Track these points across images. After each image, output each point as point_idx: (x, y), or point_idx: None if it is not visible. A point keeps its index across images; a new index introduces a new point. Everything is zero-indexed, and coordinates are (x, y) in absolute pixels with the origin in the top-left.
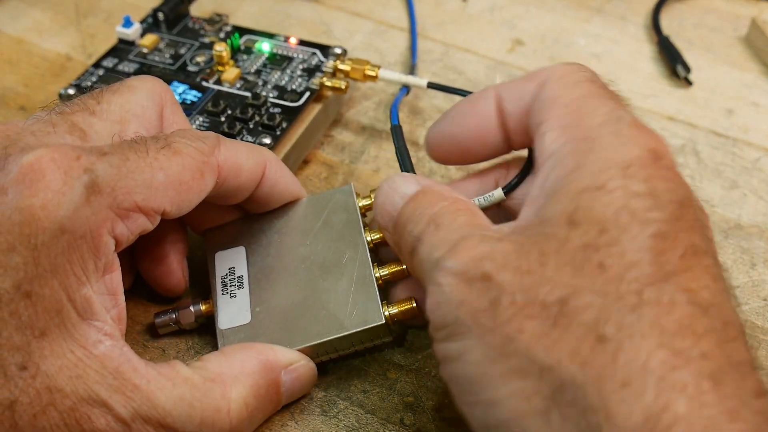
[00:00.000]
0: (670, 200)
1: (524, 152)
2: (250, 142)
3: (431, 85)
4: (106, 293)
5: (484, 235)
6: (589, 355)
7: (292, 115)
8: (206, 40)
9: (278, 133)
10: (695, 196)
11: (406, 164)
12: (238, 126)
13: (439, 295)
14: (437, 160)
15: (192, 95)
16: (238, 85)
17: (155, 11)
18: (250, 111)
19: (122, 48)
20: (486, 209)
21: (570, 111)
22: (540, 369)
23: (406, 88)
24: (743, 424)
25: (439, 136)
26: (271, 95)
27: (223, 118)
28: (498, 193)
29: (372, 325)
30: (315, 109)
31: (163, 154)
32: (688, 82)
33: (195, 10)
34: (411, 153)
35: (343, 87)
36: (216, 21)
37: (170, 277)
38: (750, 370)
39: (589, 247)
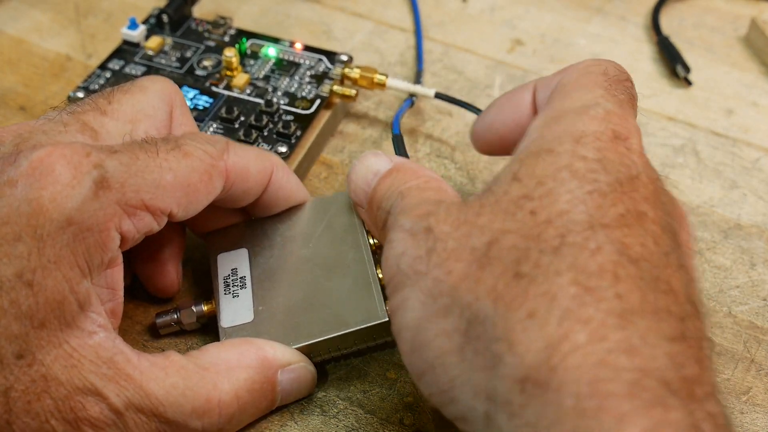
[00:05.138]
0: (620, 171)
1: None
2: (266, 150)
3: (439, 96)
4: (105, 286)
5: (439, 200)
6: (503, 290)
7: (304, 122)
8: (211, 43)
9: (293, 141)
10: (659, 177)
11: None
12: (254, 134)
13: (388, 250)
14: (481, 152)
15: (203, 101)
16: (248, 91)
17: (160, 12)
18: (265, 119)
19: (127, 50)
20: None
21: (561, 96)
22: (461, 307)
23: (410, 100)
24: (640, 360)
25: (482, 127)
26: (282, 102)
27: (237, 125)
28: None
29: (374, 323)
30: (325, 116)
31: (172, 156)
32: (688, 82)
33: (196, 11)
34: (410, 155)
35: (353, 95)
36: (220, 24)
37: (165, 278)
38: (671, 317)
39: (524, 197)
